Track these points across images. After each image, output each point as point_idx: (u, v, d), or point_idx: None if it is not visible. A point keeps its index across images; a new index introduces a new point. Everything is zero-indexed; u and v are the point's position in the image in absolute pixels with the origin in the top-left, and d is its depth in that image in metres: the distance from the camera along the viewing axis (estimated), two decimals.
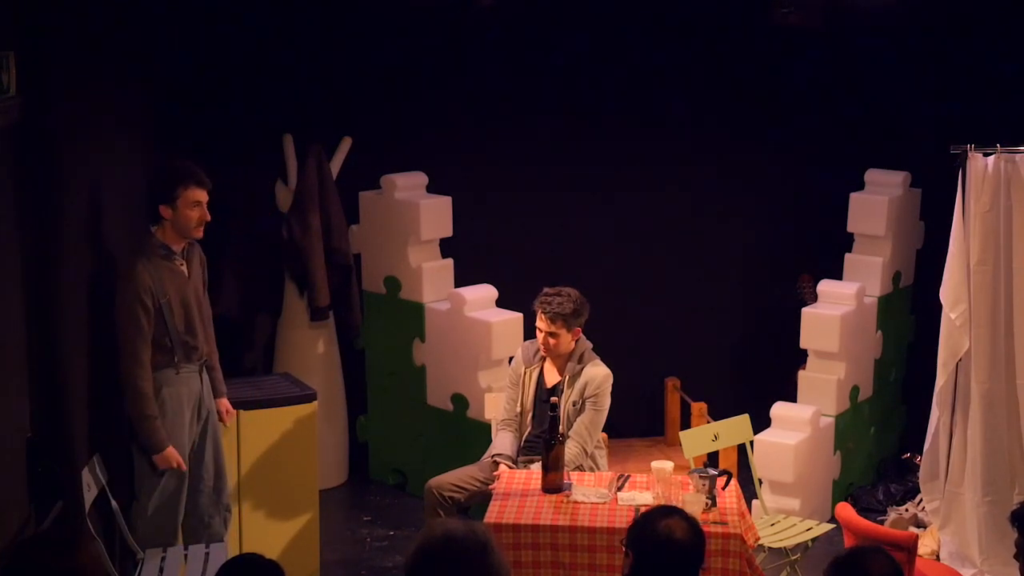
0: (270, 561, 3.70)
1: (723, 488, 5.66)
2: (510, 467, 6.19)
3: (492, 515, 5.52)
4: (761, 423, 7.13)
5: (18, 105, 4.74)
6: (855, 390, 7.53)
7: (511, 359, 6.63)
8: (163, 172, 5.64)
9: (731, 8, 8.05)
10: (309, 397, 6.51)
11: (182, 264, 5.66)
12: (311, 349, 7.72)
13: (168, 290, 5.54)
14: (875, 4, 7.70)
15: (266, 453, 6.38)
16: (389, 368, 7.79)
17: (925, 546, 6.81)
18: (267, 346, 7.88)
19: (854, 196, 7.71)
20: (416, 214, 7.42)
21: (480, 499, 6.23)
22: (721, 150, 8.35)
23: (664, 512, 4.01)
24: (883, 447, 8.02)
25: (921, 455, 7.15)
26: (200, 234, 5.67)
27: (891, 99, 8.25)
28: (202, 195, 5.61)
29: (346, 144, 7.76)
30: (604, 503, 5.64)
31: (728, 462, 7.03)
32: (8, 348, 4.68)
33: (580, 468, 6.15)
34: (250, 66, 7.68)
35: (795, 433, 7.09)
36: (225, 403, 6.08)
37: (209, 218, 5.66)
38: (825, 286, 7.49)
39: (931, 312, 7.06)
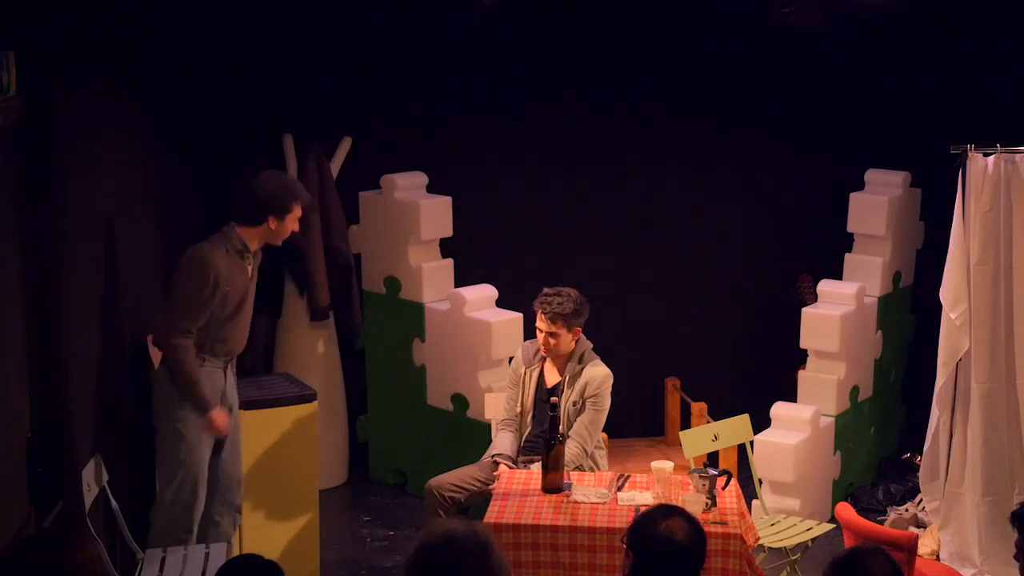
0: (269, 561, 3.70)
1: (723, 488, 5.65)
2: (510, 467, 6.19)
3: (492, 515, 5.52)
4: (761, 423, 7.13)
5: (18, 105, 4.74)
6: (855, 390, 7.53)
7: (511, 359, 6.63)
8: (280, 187, 5.78)
9: (731, 8, 8.05)
10: (309, 397, 6.51)
11: (250, 263, 5.77)
12: (311, 349, 7.72)
13: (232, 284, 5.66)
14: (875, 4, 7.69)
15: (266, 453, 6.37)
16: (389, 368, 7.79)
17: (925, 546, 6.81)
18: (267, 346, 7.87)
19: (854, 196, 7.71)
20: (416, 214, 7.42)
21: (480, 499, 6.23)
22: (721, 150, 8.35)
23: (665, 512, 3.98)
24: (883, 447, 8.02)
25: (921, 455, 7.15)
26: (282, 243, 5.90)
27: (891, 99, 8.26)
28: (301, 211, 5.84)
29: (346, 144, 7.76)
30: (604, 503, 5.64)
31: (728, 462, 7.03)
32: (8, 348, 4.68)
33: (580, 468, 6.15)
34: (250, 66, 7.68)
35: (795, 433, 7.09)
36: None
37: (298, 229, 5.90)
38: (825, 286, 7.49)
39: (931, 312, 7.07)
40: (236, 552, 6.02)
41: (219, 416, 5.69)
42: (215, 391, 5.74)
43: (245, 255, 5.74)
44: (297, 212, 5.79)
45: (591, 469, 6.21)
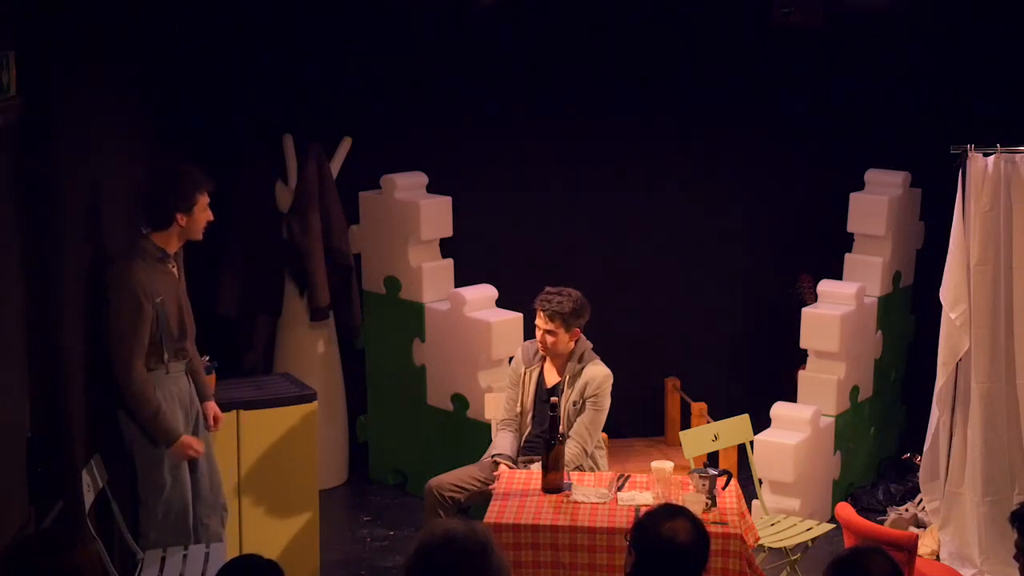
0: (269, 561, 3.70)
1: (723, 488, 5.66)
2: (510, 467, 6.19)
3: (492, 515, 5.52)
4: (761, 423, 7.13)
5: (18, 105, 4.74)
6: (855, 390, 7.53)
7: (511, 359, 6.63)
8: (179, 180, 5.55)
9: (731, 8, 8.05)
10: (309, 397, 6.51)
11: (173, 266, 5.64)
12: (311, 349, 7.72)
13: (163, 293, 5.50)
14: (875, 4, 7.69)
15: (266, 453, 6.37)
16: (389, 368, 7.79)
17: (925, 546, 6.81)
18: (267, 346, 7.87)
19: (854, 196, 7.71)
20: (416, 214, 7.42)
21: (480, 499, 6.23)
22: (721, 150, 8.35)
23: (669, 513, 3.96)
24: (883, 447, 8.02)
25: (921, 455, 7.15)
26: (201, 236, 5.68)
27: (891, 99, 8.26)
28: (208, 198, 5.63)
29: (346, 144, 7.76)
30: (604, 503, 5.64)
31: (728, 462, 7.03)
32: (8, 348, 4.68)
33: (580, 468, 6.15)
34: (250, 66, 7.68)
35: (795, 433, 7.09)
36: (213, 407, 5.97)
37: (212, 218, 5.69)
38: (825, 286, 7.49)
39: (931, 312, 7.07)
40: (236, 552, 6.02)
41: (190, 441, 5.59)
42: (182, 396, 5.66)
43: (167, 260, 5.57)
44: (204, 201, 5.58)
45: (591, 469, 6.21)
